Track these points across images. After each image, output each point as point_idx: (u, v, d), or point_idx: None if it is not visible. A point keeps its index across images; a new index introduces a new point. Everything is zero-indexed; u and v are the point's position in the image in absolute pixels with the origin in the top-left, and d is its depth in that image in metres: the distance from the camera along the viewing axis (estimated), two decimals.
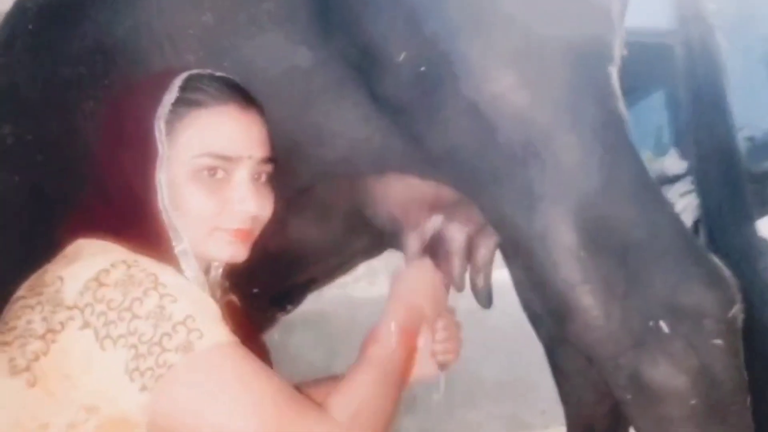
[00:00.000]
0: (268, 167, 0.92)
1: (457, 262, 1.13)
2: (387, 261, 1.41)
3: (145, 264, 0.81)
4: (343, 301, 2.45)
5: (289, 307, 1.42)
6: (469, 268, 1.16)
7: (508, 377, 2.46)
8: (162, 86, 0.87)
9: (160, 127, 0.85)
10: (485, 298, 1.16)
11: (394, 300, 1.03)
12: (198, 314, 0.79)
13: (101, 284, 0.78)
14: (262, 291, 1.27)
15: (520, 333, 1.68)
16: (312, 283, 1.41)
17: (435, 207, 1.14)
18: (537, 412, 2.39)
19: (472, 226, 1.14)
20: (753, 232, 1.14)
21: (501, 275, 1.47)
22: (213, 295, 0.93)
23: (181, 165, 0.86)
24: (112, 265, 0.79)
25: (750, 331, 0.92)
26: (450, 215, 1.14)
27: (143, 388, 0.76)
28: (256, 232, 0.92)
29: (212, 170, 0.86)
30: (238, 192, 0.87)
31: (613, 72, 0.96)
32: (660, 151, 3.30)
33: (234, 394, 0.79)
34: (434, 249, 1.16)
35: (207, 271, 0.94)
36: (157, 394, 0.76)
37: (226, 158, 0.86)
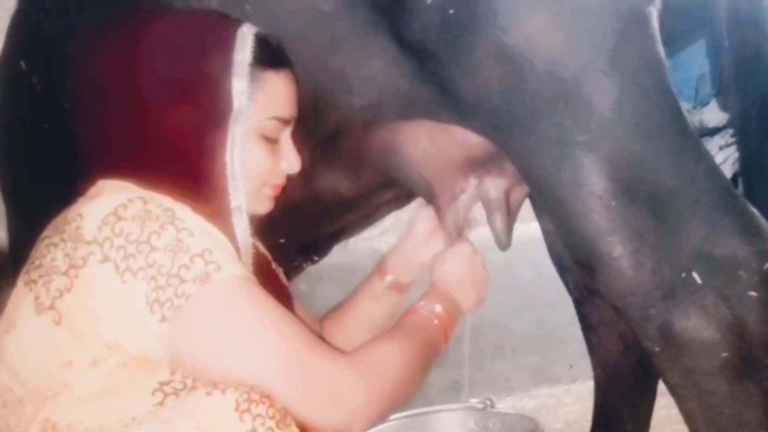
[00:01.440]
0: (293, 126, 0.96)
1: (498, 217, 1.11)
2: (414, 212, 1.40)
3: (162, 200, 0.82)
4: (369, 253, 2.46)
5: (315, 257, 1.43)
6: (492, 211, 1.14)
7: (537, 331, 2.46)
8: (228, 41, 0.88)
9: (240, 85, 0.87)
10: (506, 240, 1.14)
11: (435, 287, 1.05)
12: (215, 248, 0.81)
13: (119, 218, 0.79)
14: (289, 241, 1.27)
15: (549, 287, 1.67)
16: (339, 234, 1.41)
17: (468, 166, 1.11)
18: (565, 366, 2.39)
19: (508, 180, 1.11)
20: None
21: (531, 228, 1.45)
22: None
23: (249, 124, 0.88)
24: (130, 200, 0.80)
25: None
26: (484, 172, 1.11)
27: (163, 319, 0.78)
28: None
29: (273, 132, 0.91)
30: (284, 151, 0.93)
31: (653, 13, 0.91)
32: (701, 101, 3.19)
33: (252, 327, 0.80)
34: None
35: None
36: (177, 325, 0.78)
37: (287, 122, 0.93)
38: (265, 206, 0.94)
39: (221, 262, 0.80)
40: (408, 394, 0.89)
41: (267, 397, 0.77)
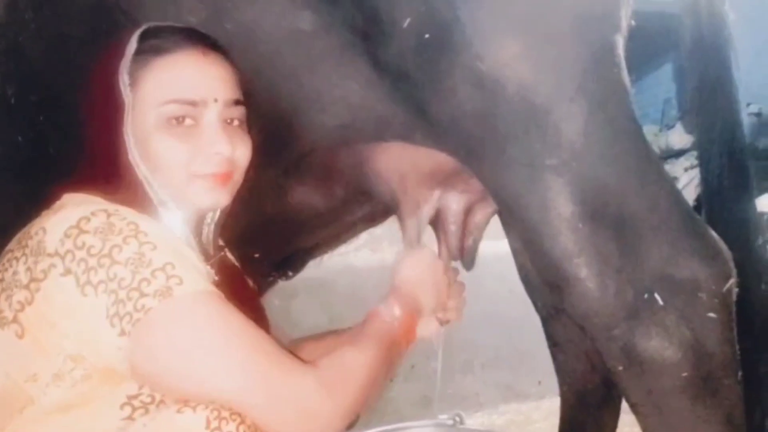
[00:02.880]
0: (239, 110, 0.92)
1: (453, 230, 1.13)
2: (389, 229, 1.41)
3: (126, 213, 0.82)
4: (344, 268, 2.47)
5: (290, 273, 1.43)
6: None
7: (506, 347, 2.49)
8: (126, 42, 0.88)
9: (123, 79, 0.86)
10: (469, 260, 1.17)
11: (395, 290, 1.04)
12: (178, 262, 0.80)
13: (81, 231, 0.79)
14: (264, 256, 1.28)
15: (518, 304, 1.69)
16: (313, 250, 1.42)
17: (434, 179, 1.13)
18: (533, 382, 2.41)
19: (471, 195, 1.14)
20: (752, 208, 1.14)
21: (501, 245, 1.47)
22: (206, 252, 0.94)
23: (148, 115, 0.86)
24: (92, 214, 0.80)
25: (742, 306, 0.93)
26: (449, 186, 1.14)
27: (122, 333, 0.77)
28: (237, 177, 0.92)
29: (180, 118, 0.87)
30: (208, 135, 0.88)
31: (620, 41, 0.95)
32: (667, 124, 3.28)
33: (214, 343, 0.79)
34: (434, 216, 1.16)
35: (199, 227, 0.94)
36: (136, 339, 0.77)
37: (191, 102, 0.87)
38: (211, 199, 0.89)
39: (183, 275, 0.79)
40: (371, 398, 0.89)
41: (238, 414, 0.77)
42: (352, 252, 2.35)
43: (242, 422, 0.77)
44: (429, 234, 1.22)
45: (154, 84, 0.86)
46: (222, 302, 0.82)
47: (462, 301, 1.14)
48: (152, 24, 0.90)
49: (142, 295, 0.77)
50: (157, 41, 0.88)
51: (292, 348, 1.08)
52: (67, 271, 0.78)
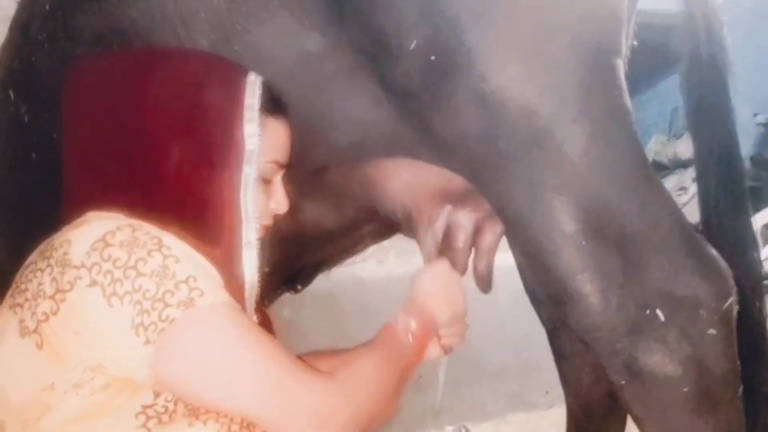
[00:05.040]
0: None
1: (461, 247, 1.15)
2: (396, 240, 1.43)
3: (150, 228, 0.84)
4: (351, 279, 2.49)
5: (299, 286, 1.46)
6: (473, 252, 1.18)
7: (513, 358, 2.49)
8: (239, 86, 0.92)
9: (252, 128, 0.91)
10: (485, 283, 1.19)
11: (411, 303, 1.07)
12: (200, 275, 0.83)
13: (107, 244, 0.81)
14: (273, 270, 1.30)
15: (525, 316, 1.71)
16: (322, 264, 1.44)
17: (445, 197, 1.15)
18: (541, 393, 2.42)
19: (480, 214, 1.15)
20: (748, 223, 1.14)
21: (508, 258, 1.49)
22: None
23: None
24: (118, 228, 0.83)
25: (741, 322, 0.94)
26: (460, 203, 1.16)
27: (147, 342, 0.80)
28: None
29: (269, 175, 0.96)
30: (278, 195, 0.99)
31: (620, 64, 0.97)
32: (675, 133, 3.28)
33: (234, 353, 0.82)
34: (444, 234, 1.18)
35: None
36: (160, 348, 0.80)
37: (281, 166, 0.98)
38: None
39: (205, 288, 0.82)
40: (385, 411, 0.91)
41: (247, 428, 0.80)
42: (359, 263, 2.37)
43: None
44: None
45: (267, 142, 0.93)
46: (239, 314, 0.85)
47: (465, 328, 1.15)
48: (261, 78, 0.95)
49: (166, 305, 0.80)
50: (272, 104, 0.96)
51: (308, 360, 1.13)
52: (94, 283, 0.80)
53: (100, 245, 0.81)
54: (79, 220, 0.89)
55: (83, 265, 0.81)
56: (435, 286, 1.10)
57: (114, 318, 0.80)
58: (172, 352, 0.80)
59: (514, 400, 2.46)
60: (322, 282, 1.71)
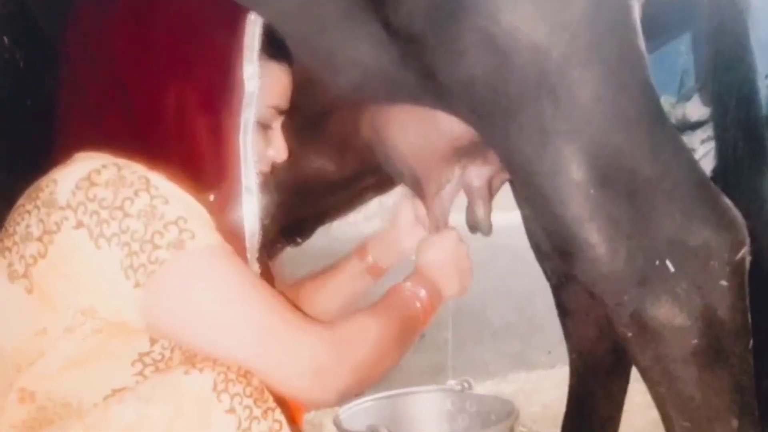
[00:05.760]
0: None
1: (480, 204, 1.13)
2: (399, 198, 1.41)
3: (137, 167, 0.82)
4: (354, 238, 2.47)
5: (299, 239, 1.44)
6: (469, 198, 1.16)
7: (516, 318, 2.49)
8: (239, 26, 0.89)
9: (251, 69, 0.88)
10: (486, 225, 1.16)
11: (419, 273, 1.06)
12: (190, 216, 0.80)
13: (93, 184, 0.79)
14: (273, 221, 1.28)
15: (528, 276, 1.70)
16: (323, 217, 1.42)
17: (454, 155, 1.12)
18: (543, 352, 2.43)
19: (491, 168, 1.13)
20: (766, 175, 1.12)
21: (510, 217, 1.47)
22: None
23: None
24: (104, 166, 0.80)
25: (754, 277, 0.92)
26: (468, 161, 1.13)
27: (137, 285, 0.78)
28: None
29: (268, 120, 0.93)
30: (276, 142, 0.96)
31: (635, 6, 0.93)
32: (684, 95, 3.22)
33: (228, 297, 0.80)
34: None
35: None
36: (151, 291, 0.78)
37: (281, 112, 0.95)
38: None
39: (196, 230, 0.80)
40: (383, 368, 0.90)
41: (244, 376, 0.78)
42: (362, 221, 2.35)
43: (249, 383, 0.78)
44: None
45: (263, 86, 0.90)
46: (233, 257, 0.82)
47: (470, 273, 1.14)
48: (264, 21, 0.92)
49: (156, 247, 0.78)
50: (272, 44, 0.92)
51: (294, 290, 1.15)
52: (80, 224, 0.78)
53: (85, 184, 0.79)
54: (67, 161, 0.86)
55: (69, 206, 0.79)
56: (443, 257, 1.09)
57: (102, 260, 0.78)
58: (163, 296, 0.78)
59: (516, 360, 2.47)
60: (324, 240, 1.69)
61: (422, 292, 1.01)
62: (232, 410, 0.76)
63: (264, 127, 0.93)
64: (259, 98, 0.89)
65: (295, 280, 1.22)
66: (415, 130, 1.11)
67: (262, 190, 0.92)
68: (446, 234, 1.12)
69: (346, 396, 0.86)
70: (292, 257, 1.52)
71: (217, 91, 0.87)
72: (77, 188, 0.79)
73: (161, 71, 0.86)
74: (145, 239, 0.78)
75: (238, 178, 0.88)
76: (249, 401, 0.77)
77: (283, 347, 0.80)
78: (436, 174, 1.13)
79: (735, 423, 0.91)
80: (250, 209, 0.89)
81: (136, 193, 0.79)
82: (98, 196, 0.78)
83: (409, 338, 0.97)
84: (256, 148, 0.90)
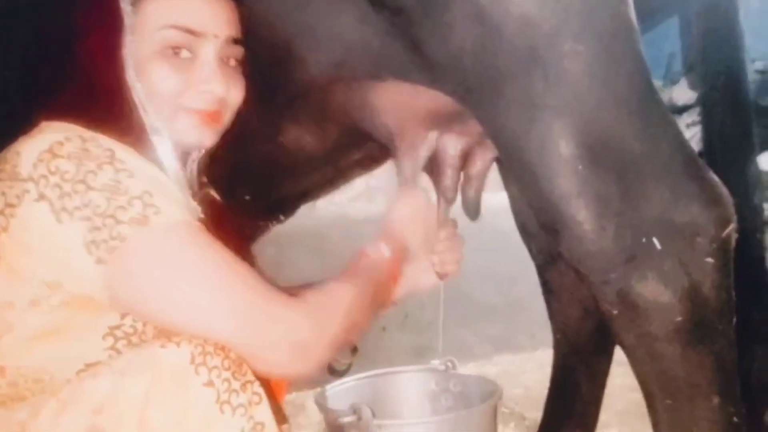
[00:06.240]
0: (237, 50, 0.90)
1: (449, 173, 1.11)
2: (386, 180, 1.39)
3: (102, 140, 0.79)
4: (340, 218, 2.45)
5: (282, 217, 1.42)
6: (462, 178, 1.15)
7: (500, 300, 2.50)
8: None
9: None
10: (473, 209, 1.15)
11: (384, 229, 1.06)
12: (156, 191, 0.78)
13: (55, 155, 0.77)
14: (254, 198, 1.26)
15: (513, 258, 1.69)
16: (306, 195, 1.39)
17: (431, 120, 1.10)
18: (527, 335, 2.43)
19: (468, 139, 1.11)
20: (754, 163, 1.12)
21: (495, 198, 1.46)
22: (190, 188, 0.92)
23: (147, 39, 0.84)
24: (67, 138, 0.78)
25: (739, 254, 0.92)
26: (446, 128, 1.11)
27: (99, 261, 0.76)
28: (226, 118, 0.91)
29: (177, 48, 0.85)
30: (203, 71, 0.86)
31: None
32: (671, 79, 3.22)
33: (195, 275, 0.78)
34: (430, 159, 1.14)
35: (183, 163, 0.92)
36: (114, 267, 0.76)
37: (191, 31, 0.85)
38: (196, 136, 0.88)
39: (161, 205, 0.77)
40: (357, 333, 0.90)
41: (222, 349, 0.76)
42: (348, 202, 2.34)
43: (227, 356, 0.76)
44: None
45: (156, 6, 0.84)
46: (202, 234, 0.80)
47: (460, 255, 1.14)
48: None
49: (118, 222, 0.76)
50: None
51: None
52: (41, 197, 0.76)
53: (47, 156, 0.77)
54: (33, 131, 0.84)
55: (30, 178, 0.77)
56: (408, 213, 1.09)
57: (64, 234, 0.76)
58: (126, 273, 0.76)
59: (499, 342, 2.48)
60: (308, 220, 1.67)
61: (386, 250, 1.01)
62: (210, 383, 0.75)
63: (180, 57, 0.85)
64: (151, 20, 0.83)
65: (279, 267, 1.19)
66: (395, 91, 1.08)
67: (201, 132, 0.87)
68: (413, 192, 1.11)
69: (321, 366, 0.85)
70: (277, 237, 1.50)
71: (100, 30, 0.84)
72: (39, 161, 0.77)
73: (75, 26, 0.85)
74: (108, 214, 0.75)
75: (138, 120, 0.83)
76: (227, 374, 0.76)
77: (261, 324, 0.78)
78: (411, 134, 1.11)
79: (716, 400, 0.91)
80: (165, 152, 0.84)
81: (99, 167, 0.76)
82: (60, 169, 0.76)
83: (381, 299, 0.97)
84: (168, 81, 0.84)
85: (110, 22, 0.83)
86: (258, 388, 0.78)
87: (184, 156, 0.91)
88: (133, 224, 0.76)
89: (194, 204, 0.87)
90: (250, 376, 0.78)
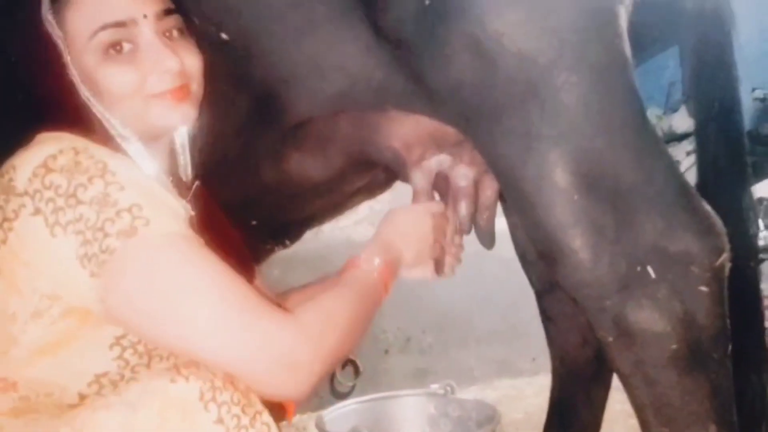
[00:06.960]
0: (174, 20, 0.89)
1: (463, 204, 1.12)
2: (390, 204, 1.41)
3: (96, 152, 0.80)
4: (343, 242, 2.46)
5: (287, 242, 1.44)
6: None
7: (501, 324, 2.50)
8: None
9: (48, 20, 0.84)
10: (488, 239, 1.16)
11: (377, 238, 1.03)
12: (147, 203, 0.78)
13: (49, 170, 0.78)
14: (261, 223, 1.28)
15: (514, 283, 1.70)
16: (312, 220, 1.41)
17: (439, 145, 1.12)
18: (527, 359, 2.43)
19: (477, 169, 1.13)
20: (748, 193, 1.13)
21: (499, 225, 1.47)
22: (183, 187, 0.92)
23: (85, 51, 0.84)
24: (60, 151, 0.79)
25: (733, 283, 0.93)
26: (455, 156, 1.13)
27: (92, 275, 0.77)
28: (196, 88, 0.90)
29: (117, 46, 0.85)
30: (150, 53, 0.85)
31: (622, 12, 0.94)
32: (671, 107, 3.25)
33: (185, 286, 0.77)
34: (440, 188, 1.14)
35: (173, 158, 0.92)
36: (106, 281, 0.76)
37: (120, 24, 0.84)
38: (175, 116, 0.87)
39: (152, 217, 0.77)
40: (350, 347, 0.88)
41: (230, 383, 0.76)
42: (352, 226, 2.35)
43: (236, 390, 0.76)
44: None
45: (80, 17, 0.84)
46: (193, 245, 0.79)
47: (461, 248, 1.14)
48: None
49: (106, 235, 0.76)
50: None
51: (278, 300, 1.08)
52: (37, 211, 0.77)
53: (42, 171, 0.78)
54: (31, 143, 0.84)
55: (26, 193, 0.78)
56: (404, 223, 1.06)
57: (58, 248, 0.77)
58: (117, 286, 0.76)
59: (500, 366, 2.47)
60: (313, 243, 1.68)
61: (376, 261, 0.97)
62: (220, 420, 0.74)
63: (122, 51, 0.84)
64: (80, 30, 0.83)
65: (283, 289, 1.20)
66: (399, 120, 1.09)
67: (178, 111, 0.86)
68: (414, 207, 1.09)
69: (315, 383, 0.83)
70: (282, 259, 1.51)
71: (44, 58, 0.84)
72: (34, 175, 0.78)
73: (24, 55, 0.87)
74: (97, 227, 0.76)
75: (101, 128, 0.84)
76: (237, 409, 0.75)
77: (248, 338, 0.77)
78: (418, 147, 1.11)
79: (713, 428, 0.92)
80: (142, 156, 0.85)
81: (90, 180, 0.77)
82: (54, 183, 0.77)
83: (372, 311, 0.94)
84: (118, 80, 0.84)
85: (47, 47, 0.84)
86: (267, 417, 0.78)
87: (171, 152, 0.92)
88: (121, 237, 0.76)
89: (185, 203, 0.87)
90: (259, 407, 0.78)
